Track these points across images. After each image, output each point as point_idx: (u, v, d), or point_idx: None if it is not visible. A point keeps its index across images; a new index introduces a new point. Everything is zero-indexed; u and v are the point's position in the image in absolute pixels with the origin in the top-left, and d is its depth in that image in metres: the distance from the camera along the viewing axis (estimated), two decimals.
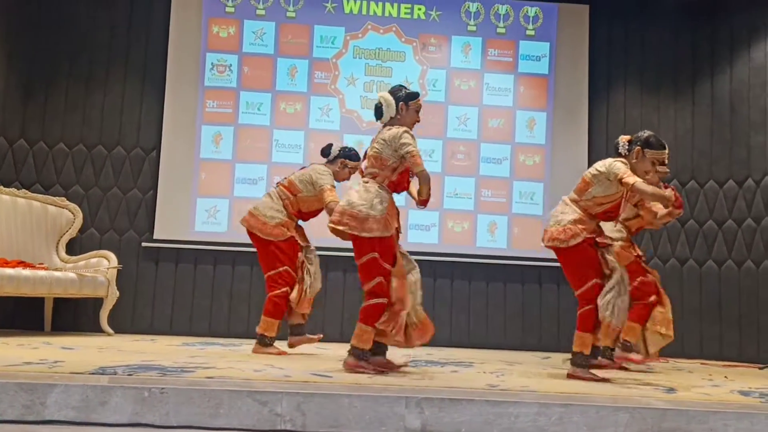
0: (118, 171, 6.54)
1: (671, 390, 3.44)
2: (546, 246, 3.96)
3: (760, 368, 5.31)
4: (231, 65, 6.71)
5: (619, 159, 3.90)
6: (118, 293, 6.02)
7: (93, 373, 3.00)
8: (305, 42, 6.80)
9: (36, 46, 6.52)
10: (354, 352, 3.66)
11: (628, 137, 3.97)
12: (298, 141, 6.66)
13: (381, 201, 3.70)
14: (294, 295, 4.75)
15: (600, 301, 3.69)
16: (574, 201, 3.92)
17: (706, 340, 6.42)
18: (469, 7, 6.91)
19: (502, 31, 6.91)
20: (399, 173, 3.81)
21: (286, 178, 4.95)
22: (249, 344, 5.51)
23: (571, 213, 3.86)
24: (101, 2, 6.65)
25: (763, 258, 6.19)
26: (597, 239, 3.84)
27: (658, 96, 6.92)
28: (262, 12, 6.78)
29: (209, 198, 6.55)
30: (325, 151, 4.96)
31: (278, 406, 2.69)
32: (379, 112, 3.92)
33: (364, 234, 3.63)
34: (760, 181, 6.31)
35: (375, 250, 3.65)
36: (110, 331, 5.95)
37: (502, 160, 6.76)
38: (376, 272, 3.65)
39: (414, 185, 3.95)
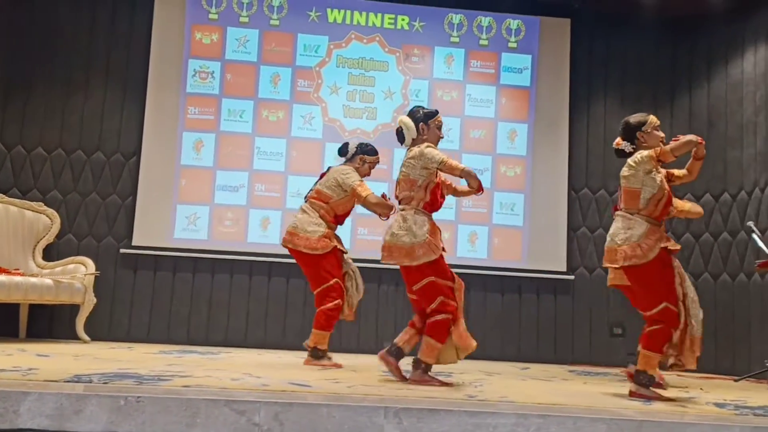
0: (97, 176, 6.48)
1: (648, 401, 3.46)
2: (622, 267, 3.70)
3: (735, 380, 5.37)
4: (213, 72, 6.69)
5: (637, 152, 3.79)
6: (95, 300, 5.95)
7: (68, 381, 2.96)
8: (288, 50, 6.80)
9: (15, 49, 6.46)
10: (420, 366, 3.75)
11: (619, 139, 3.94)
12: (280, 149, 6.65)
13: (420, 226, 3.79)
14: (345, 307, 4.76)
15: (693, 321, 3.59)
16: (634, 213, 3.73)
17: None
18: (452, 18, 6.96)
19: (485, 43, 6.97)
20: (431, 191, 3.88)
21: (311, 189, 4.95)
22: (227, 353, 5.48)
23: (639, 226, 3.67)
24: (82, 6, 6.61)
25: (738, 271, 6.27)
26: (668, 247, 3.68)
27: (637, 109, 6.93)
28: (246, 19, 6.78)
29: (189, 205, 6.51)
30: (342, 150, 4.96)
31: (256, 415, 2.67)
32: (400, 136, 3.99)
33: (414, 263, 3.75)
34: (736, 195, 6.40)
35: (429, 274, 3.75)
36: (86, 338, 5.88)
37: (484, 170, 6.79)
38: (437, 293, 3.76)
39: (460, 187, 4.17)
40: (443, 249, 3.87)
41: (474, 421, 2.71)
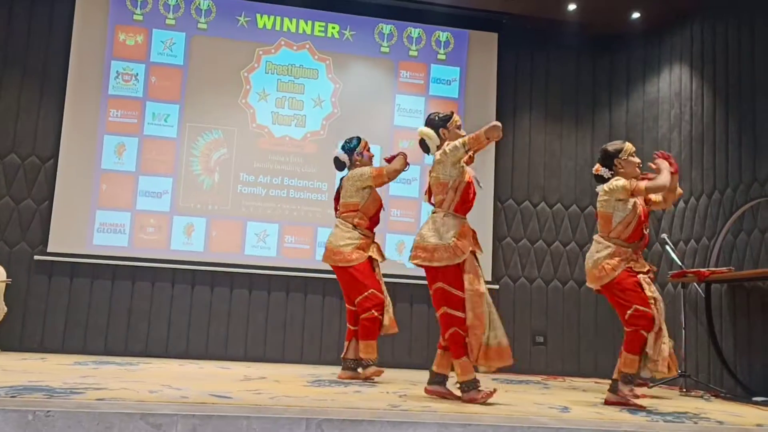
0: (10, 180, 6.20)
1: (565, 409, 3.55)
2: (595, 290, 4.06)
3: (649, 387, 5.57)
4: (137, 74, 6.51)
5: (614, 179, 4.06)
6: (5, 308, 5.68)
7: None
8: (216, 54, 6.68)
9: None
10: (462, 387, 3.66)
11: (598, 165, 4.18)
12: (206, 154, 6.53)
13: (448, 229, 3.75)
14: (386, 319, 4.70)
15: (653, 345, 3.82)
16: (604, 237, 4.03)
17: (600, 359, 6.69)
18: (382, 28, 7.00)
19: (414, 54, 7.04)
20: (461, 192, 3.82)
21: (337, 205, 5.00)
22: (147, 363, 5.32)
23: (604, 248, 3.98)
24: None
25: (662, 280, 6.51)
26: (634, 267, 3.93)
27: (561, 123, 7.21)
28: (172, 22, 6.63)
29: (110, 210, 6.30)
30: (339, 165, 5.07)
31: (173, 429, 2.59)
32: (424, 146, 3.99)
33: (434, 263, 3.71)
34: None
35: (439, 280, 3.70)
36: None
37: (412, 180, 6.85)
38: (443, 302, 3.69)
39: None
40: (477, 250, 3.80)
41: None
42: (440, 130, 3.94)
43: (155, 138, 6.46)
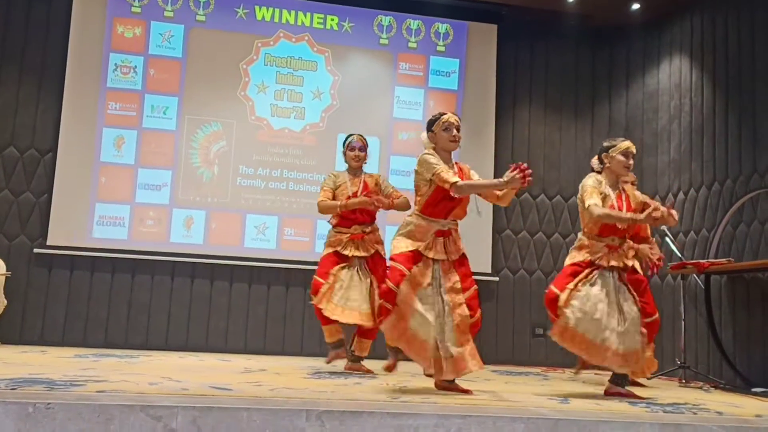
0: (9, 173, 6.20)
1: (565, 400, 3.56)
2: None
3: (648, 378, 5.58)
4: (136, 67, 6.50)
5: (592, 174, 4.12)
6: (5, 302, 5.68)
7: None
8: (214, 47, 6.66)
9: None
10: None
11: (595, 157, 4.21)
12: (205, 147, 6.52)
13: (406, 225, 3.76)
14: (325, 306, 4.63)
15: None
16: (582, 231, 4.10)
17: None
18: (381, 20, 6.98)
19: (414, 45, 7.02)
20: (429, 196, 3.72)
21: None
22: (147, 356, 5.33)
23: (577, 241, 4.09)
24: None
25: (661, 271, 6.51)
26: (597, 261, 3.91)
27: (560, 115, 7.20)
28: (171, 14, 6.61)
29: (109, 203, 6.30)
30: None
31: (173, 420, 2.59)
32: None
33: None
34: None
35: (392, 258, 3.72)
36: None
37: (411, 172, 6.79)
38: (388, 276, 3.68)
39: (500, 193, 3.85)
40: (422, 254, 3.67)
41: (396, 423, 2.71)
42: (429, 134, 3.85)
43: (154, 131, 6.45)
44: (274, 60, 6.75)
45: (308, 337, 6.43)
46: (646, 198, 4.12)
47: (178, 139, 6.48)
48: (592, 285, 3.87)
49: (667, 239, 5.76)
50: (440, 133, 3.80)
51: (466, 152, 6.96)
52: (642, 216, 3.89)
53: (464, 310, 3.67)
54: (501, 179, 3.55)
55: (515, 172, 3.47)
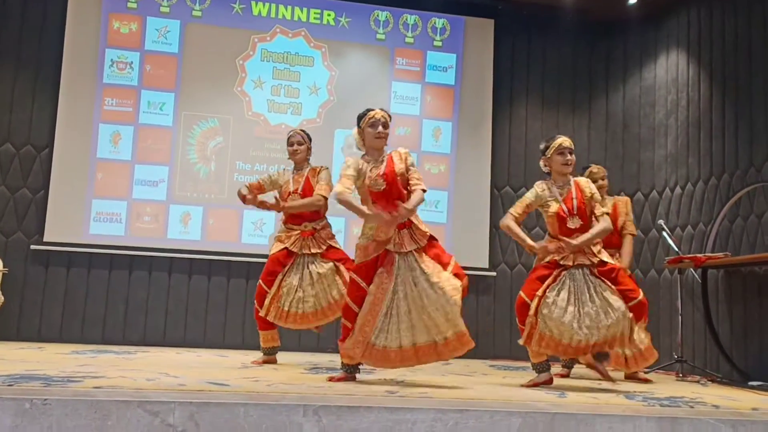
0: (6, 169, 6.19)
1: (562, 394, 3.56)
2: None
3: (646, 372, 5.59)
4: (132, 62, 6.48)
5: (539, 183, 4.17)
6: (2, 298, 5.67)
7: None
8: (211, 42, 6.64)
9: None
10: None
11: (541, 161, 4.22)
12: (202, 143, 6.51)
13: (368, 229, 3.72)
14: (268, 311, 4.59)
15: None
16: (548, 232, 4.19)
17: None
18: (378, 15, 6.97)
19: (411, 40, 7.01)
20: (369, 201, 3.72)
21: None
22: (144, 352, 5.34)
23: (544, 241, 4.15)
24: None
25: (649, 267, 6.54)
26: (561, 261, 3.97)
27: (557, 111, 7.20)
28: (167, 9, 6.59)
29: (106, 200, 6.29)
30: None
31: (170, 416, 2.59)
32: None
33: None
34: (648, 194, 6.67)
35: (353, 269, 3.74)
36: None
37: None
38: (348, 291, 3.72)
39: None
40: (381, 256, 3.66)
41: (393, 418, 2.71)
42: (357, 128, 3.82)
43: (151, 126, 6.44)
44: (270, 55, 6.74)
45: (305, 333, 6.41)
46: (598, 200, 4.08)
47: (174, 135, 6.46)
48: (560, 290, 3.92)
49: (664, 233, 5.77)
50: (367, 129, 3.77)
51: (463, 148, 6.97)
52: (533, 244, 4.02)
53: (454, 283, 3.63)
54: (366, 211, 3.58)
55: (382, 212, 3.55)
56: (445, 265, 3.68)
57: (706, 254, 5.41)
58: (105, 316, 6.16)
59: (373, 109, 3.80)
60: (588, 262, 3.96)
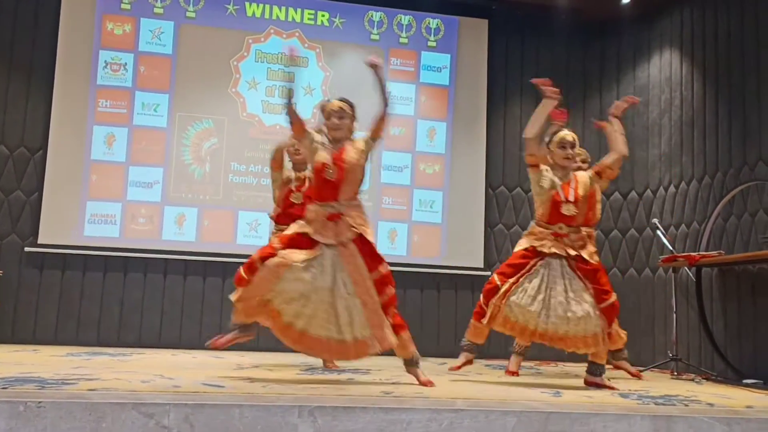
0: None
1: (557, 393, 3.57)
2: None
3: (640, 371, 5.61)
4: (126, 64, 6.47)
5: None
6: None
7: None
8: (205, 43, 6.63)
9: None
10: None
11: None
12: (196, 144, 6.50)
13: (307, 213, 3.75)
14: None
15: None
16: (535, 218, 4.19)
17: None
18: (372, 16, 6.97)
19: (405, 41, 7.01)
20: (314, 181, 3.77)
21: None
22: (140, 354, 5.33)
23: (529, 227, 4.19)
24: None
25: (644, 266, 6.55)
26: (539, 248, 3.99)
27: None
28: (160, 11, 6.58)
29: (100, 201, 6.27)
30: None
31: (165, 418, 2.59)
32: None
33: None
34: (642, 193, 6.68)
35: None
36: None
37: (403, 168, 6.84)
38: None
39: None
40: (310, 239, 3.64)
41: (388, 418, 2.72)
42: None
43: (145, 128, 6.43)
44: (264, 56, 6.73)
45: None
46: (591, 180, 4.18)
47: (169, 136, 6.45)
48: (532, 278, 3.96)
49: (659, 232, 5.79)
50: (327, 119, 3.87)
51: (457, 148, 6.98)
52: (544, 107, 4.25)
53: (372, 292, 3.59)
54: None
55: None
56: (370, 269, 3.62)
57: (700, 253, 5.43)
58: (100, 317, 6.15)
59: (331, 100, 3.89)
60: (564, 254, 3.99)
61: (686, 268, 5.70)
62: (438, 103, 7.01)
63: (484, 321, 4.06)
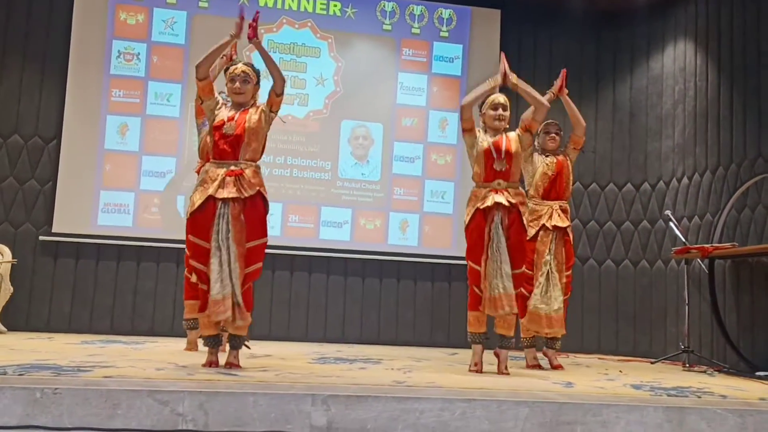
0: (14, 161, 6.21)
1: (569, 384, 3.57)
2: None
3: (652, 363, 5.60)
4: (139, 54, 6.48)
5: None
6: (12, 289, 5.72)
7: None
8: (217, 33, 6.62)
9: None
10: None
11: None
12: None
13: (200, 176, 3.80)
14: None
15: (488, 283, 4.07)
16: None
17: (603, 336, 6.71)
18: (384, 6, 6.95)
19: (417, 31, 6.99)
20: (211, 142, 3.82)
21: None
22: (153, 342, 5.37)
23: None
24: None
25: (656, 258, 6.53)
26: (480, 206, 4.11)
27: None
28: (173, 1, 6.59)
29: (114, 191, 6.31)
30: None
31: (180, 405, 2.62)
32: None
33: None
34: (655, 185, 6.65)
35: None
36: (3, 328, 5.65)
37: (415, 158, 6.84)
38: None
39: None
40: (211, 201, 3.60)
41: (401, 407, 2.73)
42: None
43: (158, 118, 6.45)
44: (277, 46, 6.73)
45: (313, 323, 6.46)
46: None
47: (182, 126, 6.48)
48: (489, 246, 4.04)
49: (671, 224, 5.76)
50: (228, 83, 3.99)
51: None
52: (492, 82, 4.29)
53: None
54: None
55: None
56: (247, 239, 3.58)
57: (714, 244, 5.40)
58: (113, 306, 6.20)
59: (236, 63, 3.99)
60: (507, 203, 4.04)
61: (699, 260, 5.68)
62: (450, 94, 6.99)
63: (482, 307, 4.13)
